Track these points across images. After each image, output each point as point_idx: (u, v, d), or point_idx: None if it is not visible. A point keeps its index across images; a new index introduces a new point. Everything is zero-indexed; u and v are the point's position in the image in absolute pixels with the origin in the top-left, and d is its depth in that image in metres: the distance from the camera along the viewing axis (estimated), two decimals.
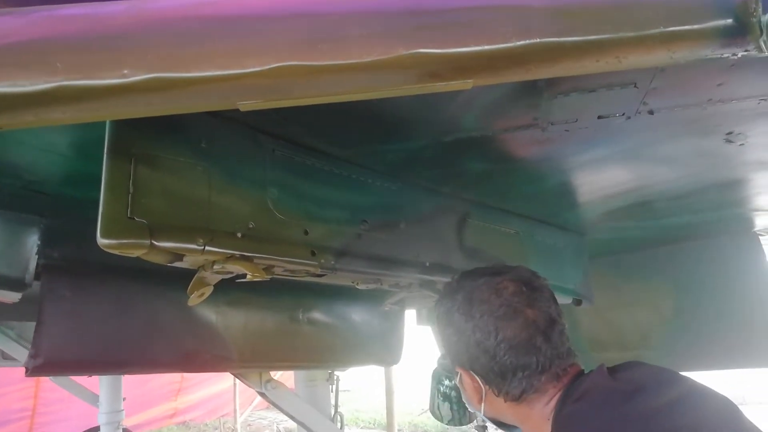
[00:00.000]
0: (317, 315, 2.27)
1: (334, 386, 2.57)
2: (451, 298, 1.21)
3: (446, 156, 1.53)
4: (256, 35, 0.68)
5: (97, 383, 4.11)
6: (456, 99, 1.26)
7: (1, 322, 3.57)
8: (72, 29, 0.68)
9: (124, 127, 1.08)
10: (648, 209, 2.14)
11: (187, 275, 1.71)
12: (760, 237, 2.72)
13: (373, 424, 8.53)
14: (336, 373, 2.58)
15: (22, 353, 3.65)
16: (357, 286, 1.50)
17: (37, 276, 1.65)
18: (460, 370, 1.20)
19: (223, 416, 9.23)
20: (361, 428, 8.46)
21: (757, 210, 2.39)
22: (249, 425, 9.02)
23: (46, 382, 6.13)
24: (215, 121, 1.22)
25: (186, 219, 1.11)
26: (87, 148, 1.43)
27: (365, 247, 1.45)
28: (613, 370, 1.11)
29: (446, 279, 1.64)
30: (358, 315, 2.43)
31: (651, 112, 1.32)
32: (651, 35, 0.69)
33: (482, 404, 1.18)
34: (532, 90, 1.21)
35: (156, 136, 1.12)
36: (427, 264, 1.60)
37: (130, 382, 4.41)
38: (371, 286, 1.51)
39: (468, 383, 1.19)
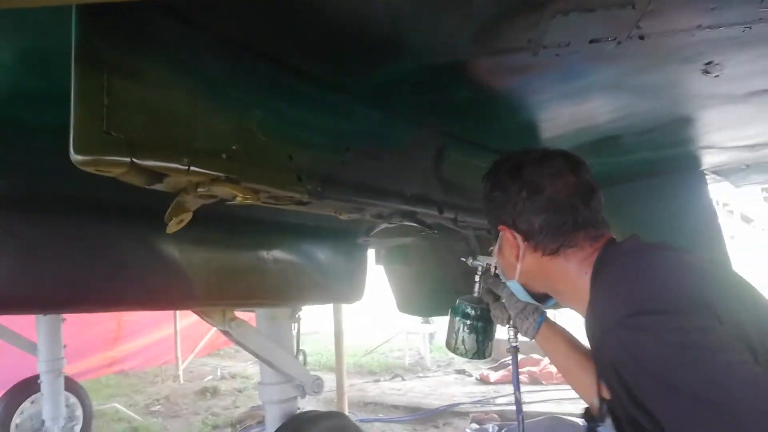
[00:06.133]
0: (281, 253, 2.21)
1: (297, 325, 2.54)
2: (500, 165, 1.33)
3: (431, 82, 1.47)
4: None
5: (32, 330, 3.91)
6: (454, 15, 1.19)
7: None
8: None
9: (94, 34, 0.95)
10: (613, 144, 2.17)
11: (150, 209, 1.60)
12: (706, 175, 2.85)
13: (319, 366, 8.65)
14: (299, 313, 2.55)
15: None
16: (340, 217, 1.44)
17: None
18: (502, 229, 1.28)
19: (163, 363, 9.08)
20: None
21: (706, 147, 2.48)
22: (191, 372, 8.93)
23: None
24: (196, 34, 1.10)
25: (167, 137, 1.01)
26: (37, 61, 1.26)
27: (350, 176, 1.39)
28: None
29: (427, 210, 1.63)
30: (322, 253, 2.39)
31: (641, 38, 1.30)
32: None
33: (519, 263, 1.26)
34: (533, 7, 1.16)
35: (131, 46, 0.99)
36: (409, 195, 1.56)
37: (63, 332, 4.20)
38: (354, 216, 1.46)
39: (508, 240, 1.27)
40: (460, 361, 8.44)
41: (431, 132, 1.75)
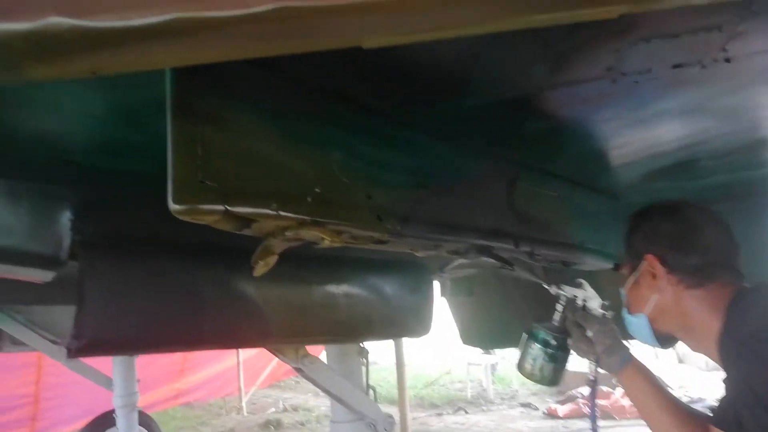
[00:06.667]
0: (350, 288, 2.21)
1: (365, 360, 2.52)
2: (654, 205, 1.43)
3: (504, 113, 1.46)
4: None
5: (108, 366, 4.05)
6: (529, 49, 1.18)
7: (8, 307, 3.48)
8: None
9: (187, 85, 0.99)
10: (690, 168, 2.09)
11: (226, 249, 1.64)
12: None
13: (379, 399, 8.58)
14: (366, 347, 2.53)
15: (30, 338, 3.57)
16: (416, 254, 1.43)
17: (71, 255, 1.57)
18: (648, 259, 1.34)
19: (226, 395, 9.22)
20: None
21: None
22: (253, 404, 9.03)
23: (50, 366, 6.05)
24: (277, 79, 1.13)
25: (256, 183, 1.03)
26: (126, 114, 1.33)
27: (426, 212, 1.38)
28: None
29: (503, 245, 1.60)
30: (390, 286, 2.38)
31: (728, 60, 1.25)
32: None
33: (658, 295, 1.32)
34: (613, 34, 1.14)
35: (220, 96, 1.03)
36: (484, 229, 1.53)
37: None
38: (430, 253, 1.45)
39: (649, 273, 1.33)
40: (524, 394, 8.17)
41: (502, 163, 1.72)
